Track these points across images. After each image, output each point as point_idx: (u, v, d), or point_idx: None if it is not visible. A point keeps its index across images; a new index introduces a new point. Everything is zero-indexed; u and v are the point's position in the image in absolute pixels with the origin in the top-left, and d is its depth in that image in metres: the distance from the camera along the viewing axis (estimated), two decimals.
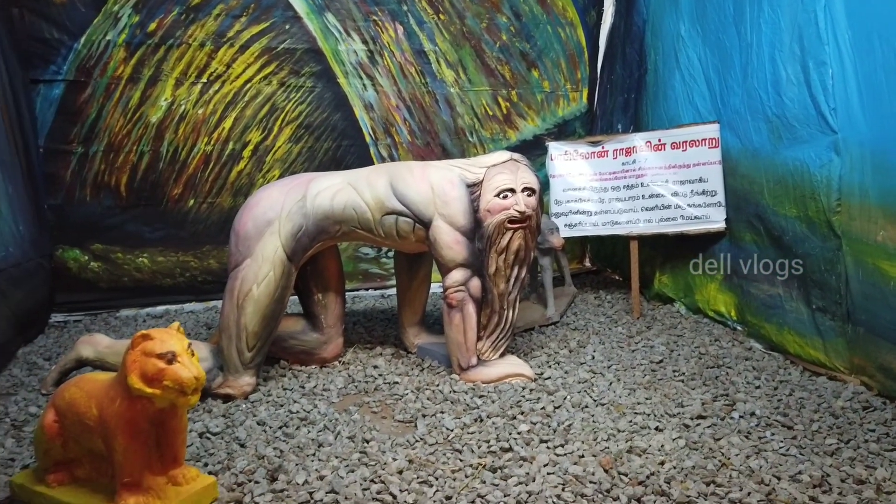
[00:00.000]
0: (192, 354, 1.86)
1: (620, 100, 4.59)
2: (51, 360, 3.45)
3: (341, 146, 4.45)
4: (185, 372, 1.79)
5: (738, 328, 3.63)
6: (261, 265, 2.81)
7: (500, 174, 2.94)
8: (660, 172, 3.92)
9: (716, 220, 3.75)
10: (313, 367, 3.25)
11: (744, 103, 3.47)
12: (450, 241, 2.91)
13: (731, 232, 3.71)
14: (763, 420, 2.59)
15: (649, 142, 3.96)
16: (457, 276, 2.96)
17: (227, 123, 4.21)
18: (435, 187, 2.93)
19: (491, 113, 4.72)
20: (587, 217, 4.10)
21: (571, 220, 4.13)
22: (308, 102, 4.33)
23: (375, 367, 3.25)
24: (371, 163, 4.54)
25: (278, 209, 2.87)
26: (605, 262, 5.06)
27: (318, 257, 3.14)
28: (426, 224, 2.94)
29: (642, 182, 3.95)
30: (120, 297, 4.23)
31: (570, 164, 4.17)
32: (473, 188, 2.94)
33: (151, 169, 4.14)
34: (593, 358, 3.32)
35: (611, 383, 2.99)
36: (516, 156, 3.07)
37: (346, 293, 4.57)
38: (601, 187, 4.09)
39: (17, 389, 3.05)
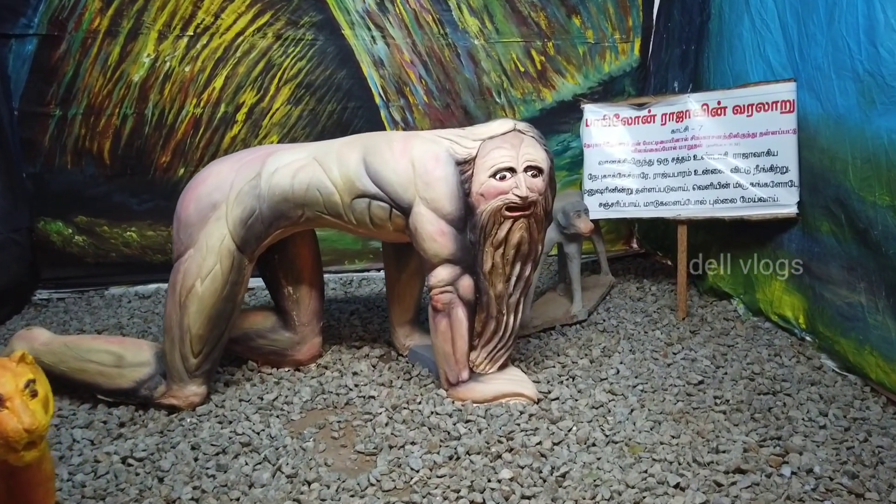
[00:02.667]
0: (34, 395, 1.46)
1: (677, 52, 3.88)
2: None
3: (347, 108, 3.97)
4: (12, 422, 1.38)
5: (807, 339, 2.97)
6: (205, 257, 2.39)
7: (498, 149, 2.39)
8: (717, 143, 3.24)
9: (786, 204, 3.07)
10: (286, 369, 2.85)
11: (828, 57, 2.75)
12: (433, 232, 2.40)
13: (804, 219, 3.02)
14: (823, 481, 2.00)
15: (706, 105, 3.27)
16: (443, 273, 2.45)
17: (218, 83, 3.79)
18: (416, 165, 2.41)
19: (522, 69, 4.10)
20: (626, 195, 3.47)
21: (607, 198, 3.52)
22: (308, 58, 3.85)
23: (356, 373, 2.81)
24: (381, 128, 4.04)
25: (226, 189, 2.43)
26: (654, 245, 4.41)
27: (286, 243, 2.70)
28: (405, 210, 2.44)
29: (695, 154, 3.28)
30: (108, 274, 3.96)
31: (608, 131, 3.53)
32: (464, 166, 2.41)
33: (136, 134, 3.79)
34: (617, 373, 2.77)
35: (632, 410, 2.45)
36: (521, 125, 2.51)
37: (353, 274, 4.22)
38: (644, 160, 3.44)
39: None
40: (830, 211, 2.80)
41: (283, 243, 2.68)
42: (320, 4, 3.78)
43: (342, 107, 3.95)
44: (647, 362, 2.86)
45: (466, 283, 2.47)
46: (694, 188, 3.29)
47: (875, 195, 2.49)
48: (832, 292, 2.79)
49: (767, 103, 3.09)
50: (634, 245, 4.60)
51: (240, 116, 3.87)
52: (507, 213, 2.38)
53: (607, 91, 4.22)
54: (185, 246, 2.43)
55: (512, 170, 2.36)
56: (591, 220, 3.56)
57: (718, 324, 3.27)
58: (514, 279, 2.50)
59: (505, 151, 2.38)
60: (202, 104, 3.80)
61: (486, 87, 4.09)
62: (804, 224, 3.02)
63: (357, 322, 3.42)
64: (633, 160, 3.47)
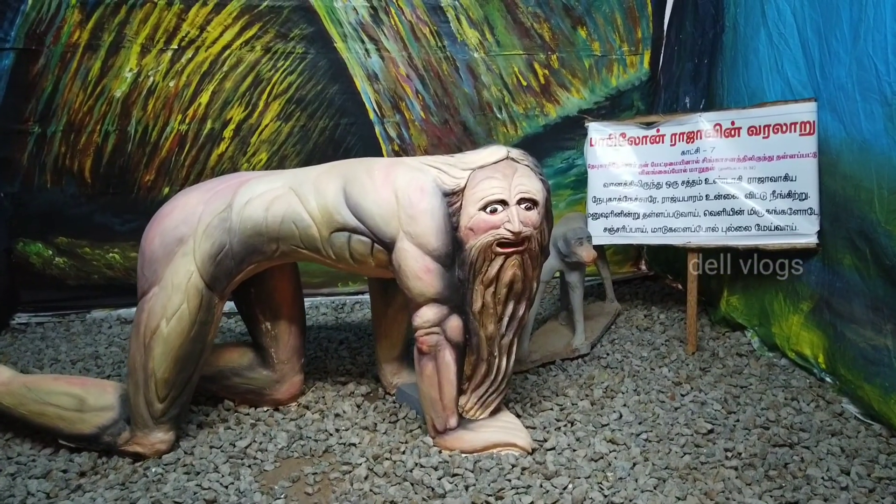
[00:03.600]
0: None
1: (689, 66, 3.67)
2: None
3: (340, 125, 3.79)
4: None
5: (827, 380, 2.76)
6: (170, 295, 2.23)
7: (488, 179, 2.20)
8: (731, 166, 3.03)
9: (805, 233, 2.86)
10: (264, 409, 2.68)
11: (852, 76, 2.54)
12: (418, 269, 2.22)
13: (824, 250, 2.81)
14: None
15: (718, 125, 3.07)
16: (428, 314, 2.27)
17: (204, 98, 3.63)
18: (400, 196, 2.23)
19: (525, 83, 3.92)
20: (633, 220, 3.27)
21: (613, 223, 3.32)
22: (299, 72, 3.69)
23: (338, 415, 2.63)
24: (376, 145, 3.87)
25: (193, 223, 2.25)
26: (663, 268, 4.21)
27: (263, 277, 2.53)
28: (388, 245, 2.26)
29: (707, 178, 3.08)
30: (90, 297, 3.81)
31: (614, 151, 3.34)
32: (452, 198, 2.22)
33: (119, 151, 3.64)
34: (620, 417, 2.58)
35: (634, 464, 2.25)
36: (515, 153, 2.32)
37: (346, 297, 4.04)
38: (652, 182, 3.24)
39: None
40: (854, 243, 2.59)
41: (260, 276, 2.51)
42: (311, 16, 3.61)
43: (334, 123, 3.78)
44: (652, 405, 2.66)
45: (454, 323, 2.29)
46: (705, 214, 3.09)
47: None
48: (855, 332, 2.57)
49: (785, 124, 2.88)
50: (643, 267, 4.39)
51: (227, 133, 3.71)
52: (499, 250, 2.19)
53: (615, 106, 4.02)
54: (149, 283, 2.27)
55: (504, 202, 2.18)
56: (596, 246, 3.39)
57: (731, 360, 3.06)
58: (506, 319, 2.32)
59: (496, 182, 2.19)
60: (188, 120, 3.65)
61: (487, 102, 3.90)
62: (825, 256, 2.81)
63: (345, 353, 3.25)
64: (641, 183, 3.26)
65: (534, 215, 2.22)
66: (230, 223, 2.25)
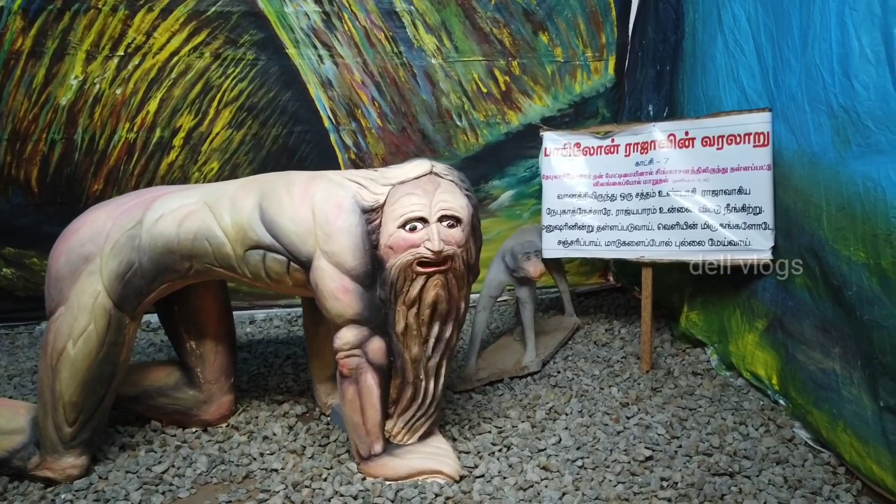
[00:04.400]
0: None
1: (651, 73, 3.56)
2: None
3: (293, 133, 3.71)
4: None
5: (780, 402, 2.65)
6: (76, 316, 2.14)
7: (408, 196, 2.11)
8: (685, 178, 2.92)
9: (759, 249, 2.74)
10: (192, 430, 2.59)
11: (801, 85, 2.43)
12: (335, 289, 2.12)
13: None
14: None
15: (672, 135, 2.96)
16: (348, 335, 2.17)
17: (152, 106, 3.55)
18: (317, 213, 2.14)
19: (485, 90, 3.82)
20: (587, 233, 3.17)
21: (567, 235, 3.21)
22: (250, 79, 3.60)
23: (267, 437, 2.54)
24: (331, 153, 3.78)
25: (100, 240, 2.17)
26: (630, 280, 4.10)
27: (187, 294, 2.44)
28: (305, 264, 2.16)
29: (661, 190, 2.97)
30: (39, 308, 3.66)
31: (568, 161, 3.23)
32: (372, 214, 2.13)
33: (66, 160, 3.56)
34: (559, 441, 2.47)
35: (563, 494, 2.15)
36: (440, 167, 2.23)
37: (301, 309, 3.89)
38: (607, 194, 3.13)
39: None
40: (805, 261, 2.48)
41: (183, 293, 2.43)
42: (261, 22, 3.52)
43: (288, 131, 3.70)
44: (595, 428, 2.55)
45: (377, 345, 2.19)
46: (659, 227, 2.98)
47: (850, 249, 2.16)
48: (805, 354, 2.46)
49: (739, 135, 2.77)
50: (610, 279, 4.28)
51: (177, 142, 3.62)
52: (419, 269, 2.10)
53: (579, 113, 3.92)
54: (55, 303, 2.19)
55: (423, 220, 2.08)
56: (553, 259, 3.29)
57: (684, 379, 2.95)
58: (432, 341, 2.22)
59: (416, 199, 2.10)
60: (136, 129, 3.57)
61: (446, 110, 3.81)
62: (779, 272, 2.69)
63: (289, 370, 3.16)
64: (595, 195, 3.16)
65: (457, 233, 2.13)
66: (139, 240, 2.16)
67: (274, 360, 3.26)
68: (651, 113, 3.58)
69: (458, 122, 3.84)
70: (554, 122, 3.89)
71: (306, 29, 3.57)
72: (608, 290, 4.24)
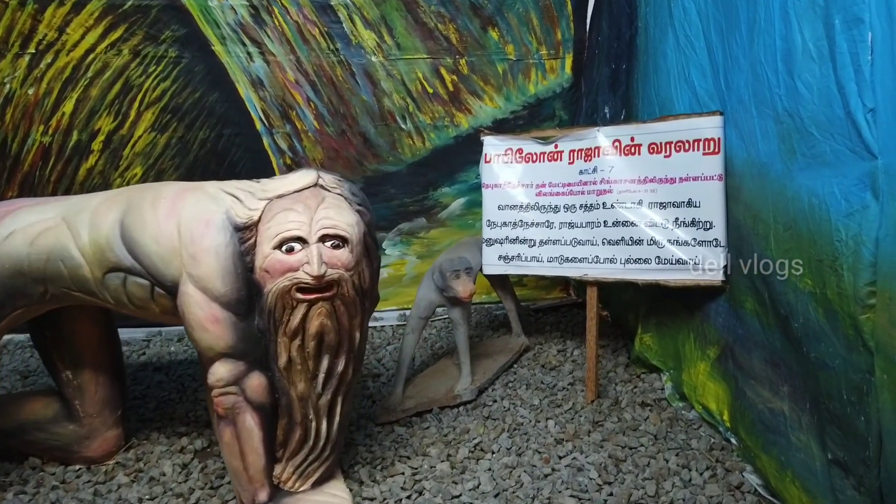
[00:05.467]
0: None
1: (607, 72, 3.30)
2: None
3: (223, 136, 3.46)
4: None
5: (732, 441, 2.38)
6: None
7: (285, 212, 1.86)
8: (630, 188, 2.66)
9: (710, 268, 2.48)
10: (76, 468, 2.35)
11: (748, 86, 2.16)
12: (203, 319, 1.87)
13: (731, 288, 2.43)
14: None
15: (617, 141, 2.70)
16: (221, 371, 1.92)
17: (68, 107, 3.32)
18: (182, 231, 1.89)
19: (431, 90, 3.56)
20: (528, 248, 2.90)
21: (507, 250, 2.95)
22: (173, 78, 3.36)
23: (153, 478, 2.29)
24: (265, 158, 3.54)
25: None
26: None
27: (59, 318, 2.20)
28: (170, 288, 1.91)
29: (605, 202, 2.70)
30: None
31: (510, 168, 2.97)
32: (245, 233, 1.88)
33: None
34: (477, 486, 2.21)
35: None
36: (327, 178, 1.97)
37: None
38: (550, 205, 2.87)
39: None
40: (754, 285, 2.21)
41: (53, 317, 2.18)
42: (183, 16, 3.28)
43: (216, 134, 3.45)
44: (521, 470, 2.29)
45: (256, 381, 1.94)
46: (603, 243, 2.72)
47: (796, 275, 1.90)
48: (754, 390, 2.20)
49: (688, 141, 2.51)
50: (572, 294, 4.02)
51: (96, 146, 3.39)
52: (299, 296, 1.84)
53: (534, 116, 3.66)
54: None
55: (302, 240, 1.83)
56: (500, 276, 3.04)
57: (631, 412, 2.68)
58: (321, 376, 1.97)
59: (294, 215, 1.84)
60: (51, 131, 3.33)
61: (389, 111, 3.55)
62: (731, 296, 2.43)
63: (203, 395, 2.90)
64: (537, 206, 2.90)
65: (343, 254, 1.87)
66: None
67: (189, 385, 3.02)
68: (608, 115, 3.31)
69: (403, 125, 3.59)
70: (507, 126, 3.63)
71: (233, 24, 3.33)
72: (569, 305, 3.97)
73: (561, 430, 2.55)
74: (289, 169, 3.57)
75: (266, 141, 3.52)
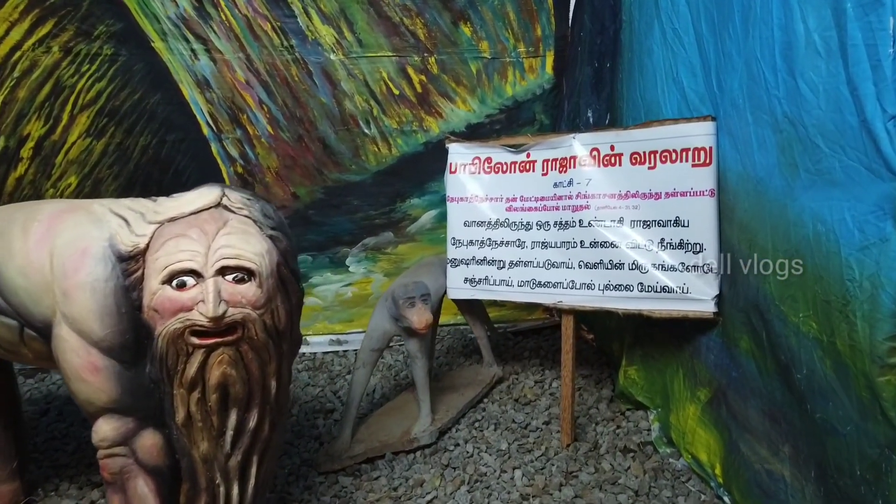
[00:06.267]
0: None
1: (589, 71, 2.98)
2: None
3: (166, 142, 3.16)
4: None
5: (725, 501, 2.05)
6: None
7: (177, 239, 1.55)
8: (610, 204, 2.34)
9: (699, 298, 2.15)
10: None
11: (743, 87, 1.84)
12: (81, 367, 1.56)
13: (724, 321, 2.11)
14: None
15: (595, 150, 2.37)
16: (105, 429, 1.62)
17: None
18: (55, 261, 1.58)
19: (397, 92, 3.25)
20: (497, 270, 2.59)
21: (475, 272, 2.63)
22: (109, 78, 3.05)
23: None
24: (214, 166, 3.24)
25: None
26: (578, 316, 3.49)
27: None
28: (42, 331, 1.60)
29: (581, 219, 2.39)
30: None
31: (477, 180, 2.65)
32: (130, 263, 1.57)
33: None
34: None
35: None
36: (235, 197, 1.66)
37: None
38: (521, 222, 2.55)
39: None
40: (750, 322, 1.89)
41: None
42: (119, 9, 2.98)
43: (159, 140, 3.15)
44: None
45: (149, 441, 1.64)
46: (580, 266, 2.40)
47: (798, 316, 1.58)
48: (750, 446, 1.87)
49: (675, 151, 2.19)
50: (555, 315, 3.69)
51: (25, 153, 3.07)
52: (195, 341, 1.54)
53: (512, 120, 3.34)
54: None
55: (196, 273, 1.52)
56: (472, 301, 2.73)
57: (611, 459, 2.35)
58: (229, 433, 1.65)
59: (186, 243, 1.53)
60: None
61: (350, 115, 3.24)
62: (724, 331, 2.10)
63: None
64: (507, 222, 2.58)
65: (249, 290, 1.56)
66: None
67: None
68: (591, 120, 2.99)
69: (367, 130, 3.27)
70: (482, 131, 3.32)
71: (175, 18, 3.02)
72: (552, 327, 3.64)
73: (528, 483, 2.23)
74: (241, 178, 3.26)
75: (214, 147, 3.21)
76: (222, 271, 1.54)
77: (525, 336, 3.58)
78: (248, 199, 1.66)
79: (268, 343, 1.63)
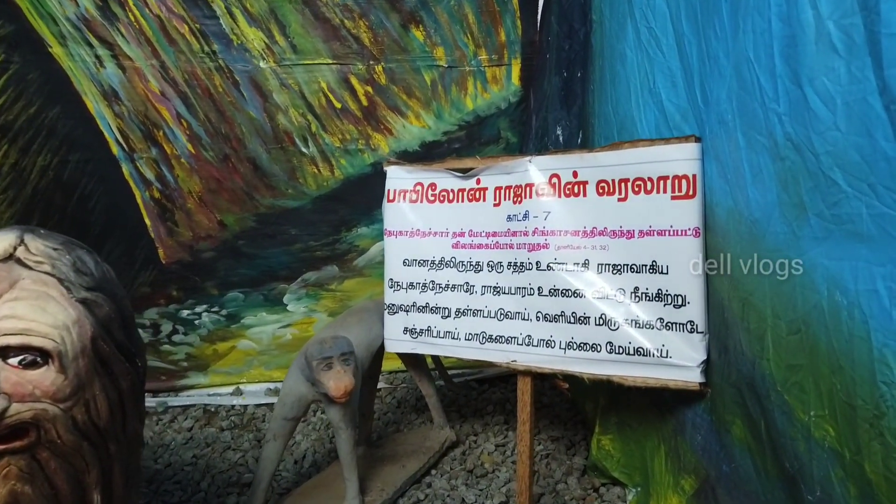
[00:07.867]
0: None
1: (557, 81, 2.57)
2: None
3: (69, 162, 2.75)
4: None
5: None
6: None
7: None
8: (573, 243, 1.91)
9: (681, 364, 1.72)
10: None
11: (732, 98, 1.43)
12: None
13: (712, 396, 1.68)
14: None
15: (555, 176, 1.95)
16: None
17: None
18: None
19: (339, 105, 2.84)
20: (441, 320, 2.16)
21: (415, 321, 2.20)
22: (0, 89, 2.65)
23: None
24: (126, 189, 2.82)
25: None
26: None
27: None
28: None
29: (539, 260, 1.96)
30: None
31: (418, 210, 2.23)
32: None
33: None
34: None
35: None
36: (35, 247, 1.24)
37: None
38: (470, 262, 2.13)
39: None
40: (744, 402, 1.46)
41: None
42: (9, 9, 2.57)
43: (60, 160, 2.73)
44: None
45: None
46: (538, 318, 1.97)
47: (809, 414, 1.15)
48: None
49: (650, 179, 1.77)
50: None
51: None
52: None
53: (474, 138, 2.93)
54: None
55: None
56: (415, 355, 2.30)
57: None
58: None
59: None
60: None
61: (285, 132, 2.83)
62: (713, 406, 1.67)
63: None
64: (454, 262, 2.16)
65: (43, 376, 1.14)
66: None
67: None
68: (560, 139, 2.58)
69: (304, 149, 2.86)
70: (440, 151, 2.91)
71: (75, 19, 2.62)
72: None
73: None
74: (158, 204, 2.85)
75: (126, 168, 2.80)
76: (3, 352, 1.11)
77: (491, 384, 3.15)
78: (56, 250, 1.23)
79: (80, 446, 1.21)
